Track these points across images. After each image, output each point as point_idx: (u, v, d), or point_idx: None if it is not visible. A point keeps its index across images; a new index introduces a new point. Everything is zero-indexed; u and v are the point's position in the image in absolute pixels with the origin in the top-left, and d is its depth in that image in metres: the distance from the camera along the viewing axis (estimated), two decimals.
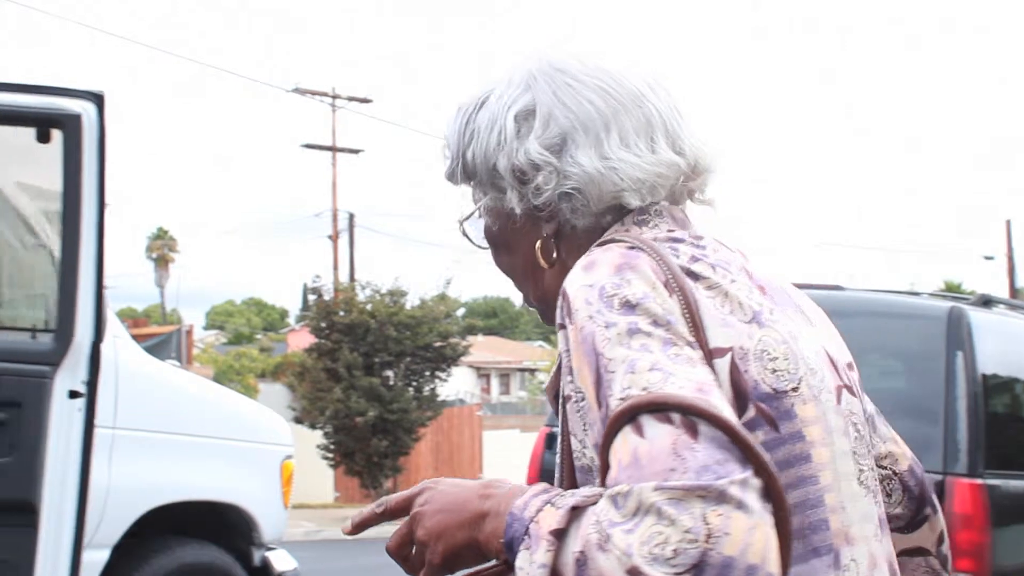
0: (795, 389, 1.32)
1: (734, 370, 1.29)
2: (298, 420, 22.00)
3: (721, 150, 1.48)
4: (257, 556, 5.65)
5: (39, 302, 5.23)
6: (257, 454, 5.67)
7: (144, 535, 5.14)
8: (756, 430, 1.28)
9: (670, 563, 1.06)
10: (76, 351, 4.03)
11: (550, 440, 4.96)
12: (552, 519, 1.16)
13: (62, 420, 4.02)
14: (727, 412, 1.15)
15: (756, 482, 1.10)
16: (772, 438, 1.28)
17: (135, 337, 5.65)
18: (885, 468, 1.60)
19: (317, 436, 22.61)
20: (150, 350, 5.78)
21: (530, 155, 1.41)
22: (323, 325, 23.32)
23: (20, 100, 3.98)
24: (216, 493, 5.41)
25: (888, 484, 1.60)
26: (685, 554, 1.06)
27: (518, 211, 1.43)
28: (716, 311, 1.31)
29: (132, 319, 32.41)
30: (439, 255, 72.70)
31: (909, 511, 1.61)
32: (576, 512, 1.16)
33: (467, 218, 1.51)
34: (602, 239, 1.38)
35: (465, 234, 1.52)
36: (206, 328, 60.40)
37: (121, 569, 5.01)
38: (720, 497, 1.08)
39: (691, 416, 1.13)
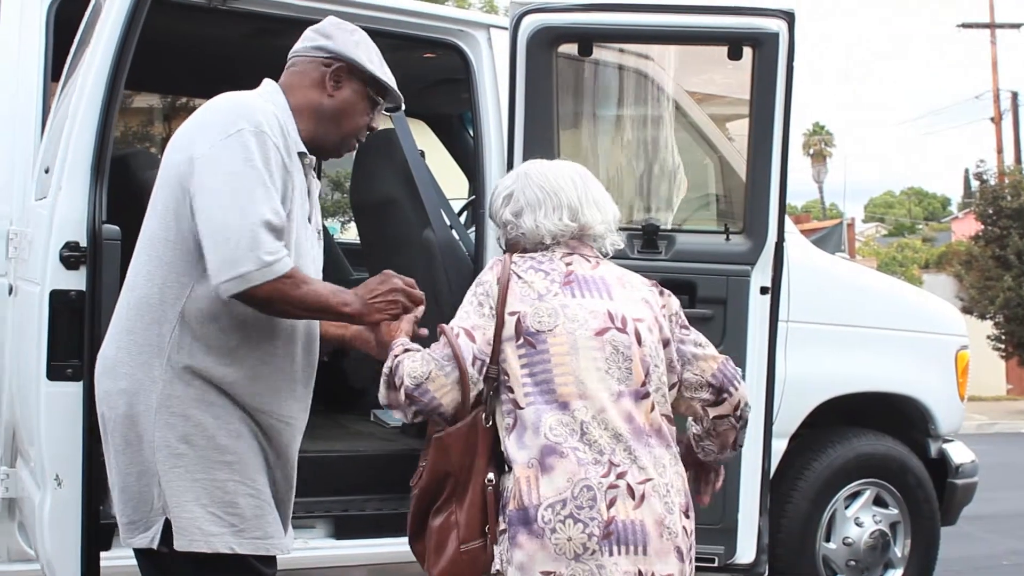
0: (551, 330, 2.73)
1: (519, 321, 2.74)
2: (966, 310, 21.17)
3: (609, 221, 2.95)
4: (934, 448, 5.58)
5: (709, 203, 5.49)
6: (931, 345, 5.56)
7: (818, 426, 5.24)
8: (524, 347, 2.72)
9: (395, 375, 2.76)
10: (767, 251, 4.27)
11: None
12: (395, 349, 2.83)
13: (755, 315, 4.27)
14: (459, 336, 2.75)
15: (448, 352, 2.72)
16: (530, 350, 2.72)
17: (800, 233, 5.74)
18: (696, 375, 2.90)
19: (987, 327, 21.70)
20: (814, 244, 5.85)
21: (504, 218, 2.97)
22: (990, 211, 22.25)
23: (719, 21, 4.23)
24: (891, 384, 5.39)
25: (697, 382, 2.90)
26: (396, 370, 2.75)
27: (501, 240, 3.04)
28: (519, 294, 2.77)
29: (793, 215, 32.92)
30: None
31: (712, 395, 2.90)
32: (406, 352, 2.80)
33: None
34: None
35: None
36: (865, 221, 59.77)
37: (799, 458, 5.16)
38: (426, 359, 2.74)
39: (447, 334, 2.75)
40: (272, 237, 2.72)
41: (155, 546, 2.82)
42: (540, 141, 4.21)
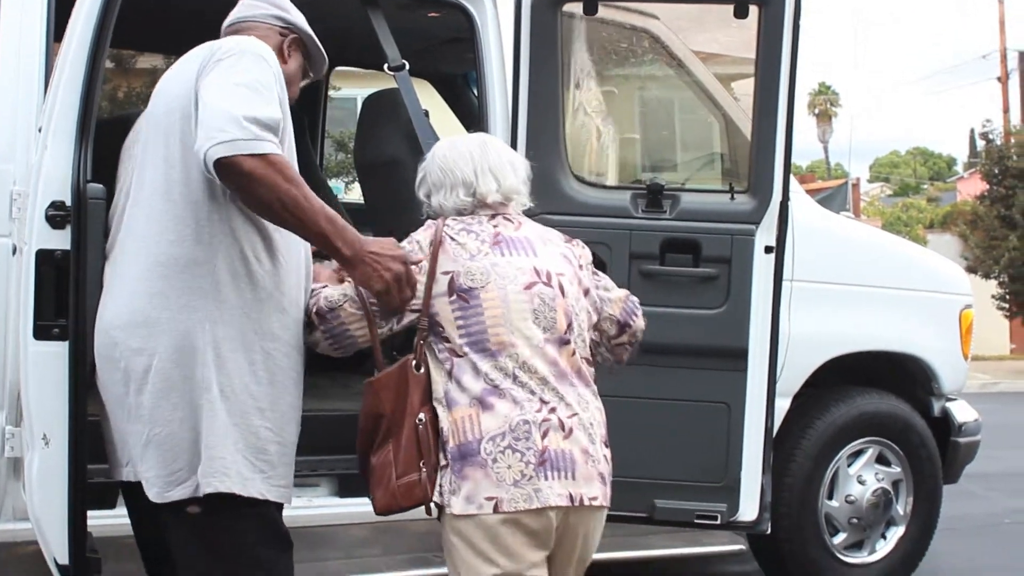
0: (483, 287, 3.00)
1: (452, 280, 3.00)
2: (971, 270, 21.18)
3: (513, 184, 3.20)
4: (936, 407, 5.60)
5: (714, 163, 5.48)
6: (935, 304, 5.56)
7: (821, 385, 5.25)
8: (458, 301, 2.99)
9: (312, 309, 3.12)
10: (772, 210, 4.27)
11: None
12: None
13: (760, 274, 4.27)
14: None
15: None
16: (464, 304, 2.99)
17: (805, 192, 5.74)
18: (608, 315, 3.30)
19: (991, 286, 21.70)
20: (819, 204, 5.84)
21: (420, 199, 3.26)
22: (995, 171, 22.20)
23: None
24: (894, 343, 5.40)
25: (608, 320, 3.30)
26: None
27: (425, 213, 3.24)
28: (452, 253, 3.03)
29: (798, 175, 32.78)
30: None
31: (617, 328, 3.33)
32: None
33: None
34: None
35: None
36: (870, 181, 59.61)
37: (802, 417, 5.18)
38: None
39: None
40: (268, 129, 2.78)
41: (200, 494, 2.89)
42: (545, 101, 4.20)
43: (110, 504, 3.76)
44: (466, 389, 2.98)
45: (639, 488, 4.27)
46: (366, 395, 3.03)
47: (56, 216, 3.27)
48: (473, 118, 5.46)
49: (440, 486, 2.97)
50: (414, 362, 3.03)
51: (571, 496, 2.96)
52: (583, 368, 3.13)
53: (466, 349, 2.99)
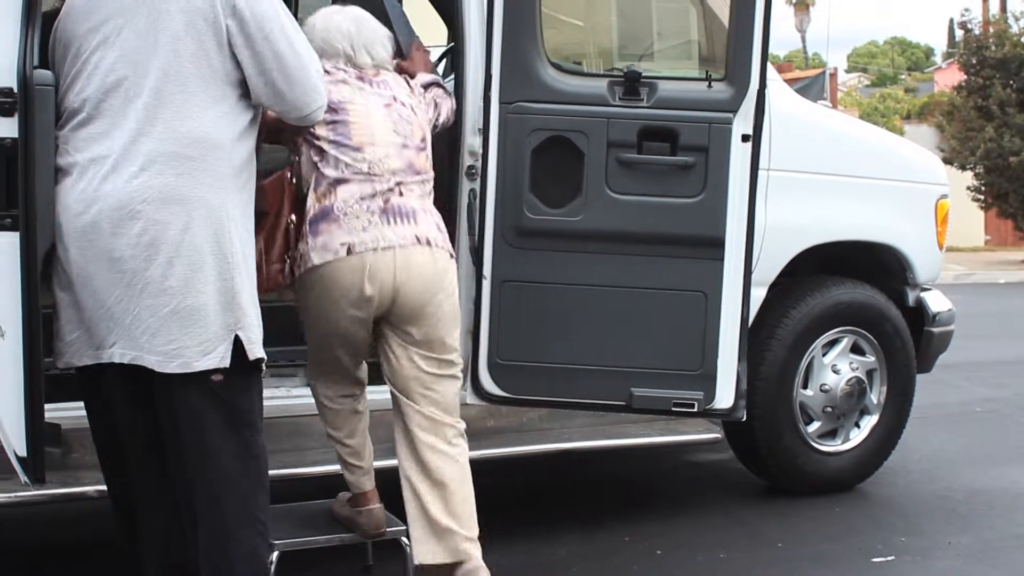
0: (350, 102, 3.76)
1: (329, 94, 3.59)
2: (947, 161, 21.21)
3: (365, 59, 3.89)
4: (911, 296, 5.62)
5: (688, 51, 5.41)
6: (911, 194, 5.55)
7: (797, 275, 5.26)
8: (329, 112, 3.61)
9: None
10: (749, 98, 4.24)
11: None
12: None
13: (736, 163, 4.25)
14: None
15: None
16: (333, 115, 3.69)
17: (783, 81, 5.68)
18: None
19: (967, 178, 21.76)
20: (796, 93, 5.79)
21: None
22: (973, 61, 22.10)
23: None
24: (870, 233, 5.39)
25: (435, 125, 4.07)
26: None
27: None
28: (326, 81, 3.55)
29: (776, 64, 32.58)
30: None
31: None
32: None
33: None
34: None
35: None
36: (848, 71, 59.28)
37: (777, 306, 5.19)
38: None
39: None
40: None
41: (227, 363, 3.13)
42: None
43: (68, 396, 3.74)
44: (327, 176, 3.70)
45: (616, 376, 4.29)
46: (256, 195, 3.43)
47: (3, 103, 3.19)
48: (448, 3, 5.36)
49: (299, 255, 3.68)
50: (288, 174, 3.78)
51: (416, 237, 3.71)
52: (430, 168, 3.89)
53: (331, 147, 3.70)
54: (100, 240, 3.09)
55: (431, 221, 3.79)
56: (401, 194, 3.74)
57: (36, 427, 3.29)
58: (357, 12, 3.95)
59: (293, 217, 3.73)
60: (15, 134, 3.20)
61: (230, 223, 3.16)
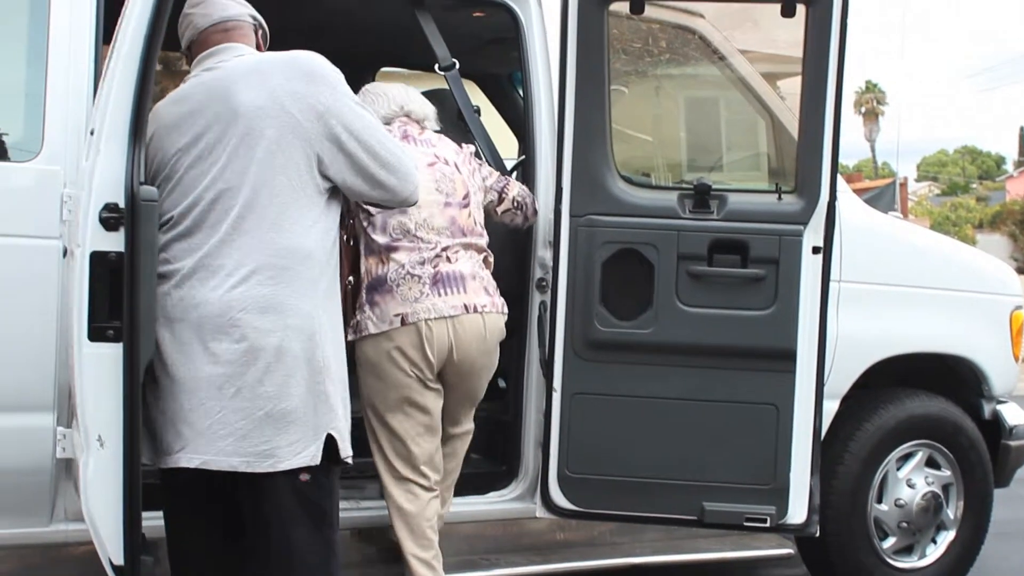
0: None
1: None
2: (1021, 270, 20.93)
3: (417, 109, 4.25)
4: (987, 409, 5.53)
5: (757, 163, 5.44)
6: (985, 305, 5.49)
7: (870, 387, 5.20)
8: None
9: None
10: (819, 210, 4.25)
11: None
12: None
13: (807, 275, 4.25)
14: None
15: None
16: None
17: (853, 192, 5.68)
18: (489, 187, 4.31)
19: None
20: (867, 204, 5.79)
21: None
22: None
23: None
24: (944, 345, 5.33)
25: (490, 191, 4.29)
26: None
27: None
28: None
29: (845, 175, 32.56)
30: None
31: (497, 196, 4.33)
32: None
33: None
34: None
35: None
36: (918, 180, 59.10)
37: (850, 419, 5.13)
38: None
39: None
40: None
41: (317, 461, 3.28)
42: (591, 101, 4.18)
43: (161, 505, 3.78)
44: (377, 242, 3.94)
45: (688, 491, 4.25)
46: None
47: (110, 218, 3.30)
48: (518, 117, 5.45)
49: (357, 323, 3.93)
50: (344, 236, 3.84)
51: (465, 306, 3.96)
52: (476, 227, 4.11)
53: (376, 210, 3.87)
54: (196, 347, 3.20)
55: (479, 287, 4.04)
56: (450, 260, 3.98)
57: (133, 536, 3.32)
58: (406, 86, 4.34)
59: (351, 279, 3.95)
60: (121, 248, 3.31)
61: (320, 329, 3.30)
